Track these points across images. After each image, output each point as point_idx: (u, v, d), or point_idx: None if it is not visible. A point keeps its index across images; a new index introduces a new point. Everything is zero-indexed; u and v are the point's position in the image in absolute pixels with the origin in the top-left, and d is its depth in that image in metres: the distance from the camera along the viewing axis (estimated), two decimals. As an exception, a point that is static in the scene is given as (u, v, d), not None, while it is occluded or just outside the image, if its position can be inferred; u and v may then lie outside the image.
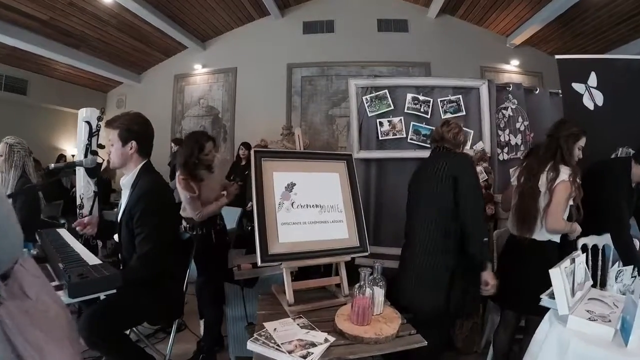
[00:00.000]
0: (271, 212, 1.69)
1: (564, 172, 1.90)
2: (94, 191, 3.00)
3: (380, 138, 3.04)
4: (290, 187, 1.77)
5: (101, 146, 3.33)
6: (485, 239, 1.79)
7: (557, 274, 1.44)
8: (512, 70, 7.08)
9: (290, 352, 1.23)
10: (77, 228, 2.14)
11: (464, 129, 2.90)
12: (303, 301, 1.68)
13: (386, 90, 3.07)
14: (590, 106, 2.83)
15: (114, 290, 1.51)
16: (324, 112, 7.02)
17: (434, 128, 2.99)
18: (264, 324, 1.44)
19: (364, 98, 3.07)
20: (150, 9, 5.84)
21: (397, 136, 3.04)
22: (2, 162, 2.86)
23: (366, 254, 1.84)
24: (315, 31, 7.15)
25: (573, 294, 1.50)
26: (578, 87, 2.83)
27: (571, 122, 2.09)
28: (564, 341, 1.35)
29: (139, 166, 1.98)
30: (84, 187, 3.18)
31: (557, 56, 2.94)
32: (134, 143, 1.94)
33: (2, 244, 0.83)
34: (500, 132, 3.15)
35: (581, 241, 2.12)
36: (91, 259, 1.79)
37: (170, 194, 2.11)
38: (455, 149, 2.00)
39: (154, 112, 7.30)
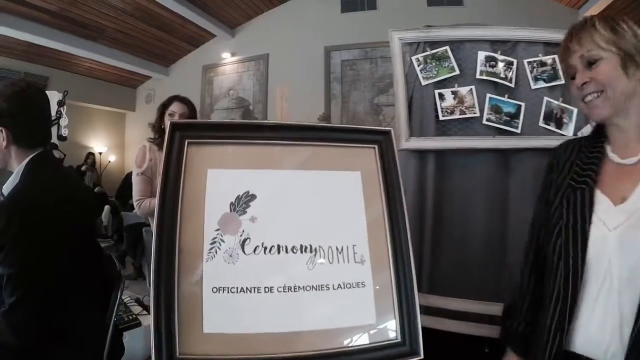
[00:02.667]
0: (191, 259, 0.73)
1: None
2: None
3: (440, 118, 2.00)
4: (244, 203, 0.79)
5: (62, 138, 2.62)
6: None
7: None
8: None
9: None
10: None
11: (563, 105, 1.96)
12: None
13: (447, 47, 2.04)
14: None
15: None
16: (369, 100, 6.21)
17: (522, 104, 1.98)
18: None
19: (413, 59, 2.05)
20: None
21: (467, 115, 1.98)
22: None
23: (418, 358, 0.80)
24: (355, 9, 6.43)
25: None
26: None
27: None
28: None
29: (24, 162, 1.29)
30: None
31: None
32: (4, 131, 1.27)
33: None
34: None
35: None
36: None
37: (65, 200, 1.32)
38: None
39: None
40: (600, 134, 0.90)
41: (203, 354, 0.71)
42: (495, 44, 2.05)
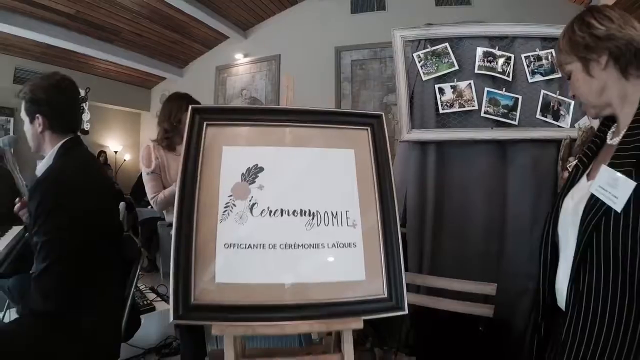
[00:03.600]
0: (207, 220, 0.86)
1: None
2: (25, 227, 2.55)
3: (440, 111, 2.11)
4: (253, 174, 0.92)
5: (84, 132, 2.79)
6: None
7: None
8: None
9: None
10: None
11: (560, 97, 2.05)
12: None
13: (447, 44, 2.14)
14: None
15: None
16: (378, 99, 6.25)
17: (519, 97, 2.06)
18: None
19: (414, 55, 2.16)
20: (183, -4, 5.55)
21: (466, 108, 2.08)
22: None
23: (402, 312, 0.92)
24: (365, 10, 6.47)
25: None
26: None
27: None
28: None
29: (56, 147, 1.45)
30: None
31: None
32: (40, 118, 1.43)
33: None
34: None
35: None
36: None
37: (91, 181, 1.48)
38: None
39: None
40: (610, 117, 0.97)
41: (215, 301, 0.83)
42: (493, 39, 2.14)
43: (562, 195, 0.96)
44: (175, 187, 1.96)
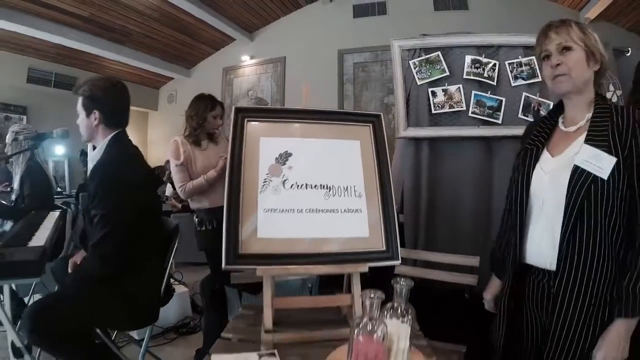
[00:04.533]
0: (250, 191, 1.15)
1: None
2: (84, 206, 2.81)
3: (433, 112, 2.40)
4: (284, 158, 1.21)
5: None
6: None
7: None
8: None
9: None
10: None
11: (540, 99, 2.32)
12: (293, 326, 1.12)
13: (439, 52, 2.42)
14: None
15: (37, 279, 1.48)
16: (379, 100, 6.46)
17: (502, 99, 2.34)
18: (212, 356, 0.95)
19: (410, 62, 2.45)
20: (193, 1, 5.70)
21: (455, 109, 2.37)
22: (10, 150, 2.84)
23: (396, 262, 1.22)
24: (367, 14, 6.65)
25: None
26: None
27: None
28: None
29: (108, 138, 1.69)
30: None
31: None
32: (97, 113, 1.67)
33: None
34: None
35: None
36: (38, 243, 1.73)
37: (137, 171, 1.72)
38: None
39: None
40: (557, 110, 1.25)
41: (257, 251, 1.12)
42: (480, 48, 2.42)
43: (529, 168, 1.19)
44: (201, 180, 2.26)
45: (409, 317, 0.85)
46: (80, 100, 1.70)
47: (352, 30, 6.65)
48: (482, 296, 1.47)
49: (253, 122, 1.23)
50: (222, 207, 1.96)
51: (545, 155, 1.20)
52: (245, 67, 7.42)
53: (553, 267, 1.11)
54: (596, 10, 5.66)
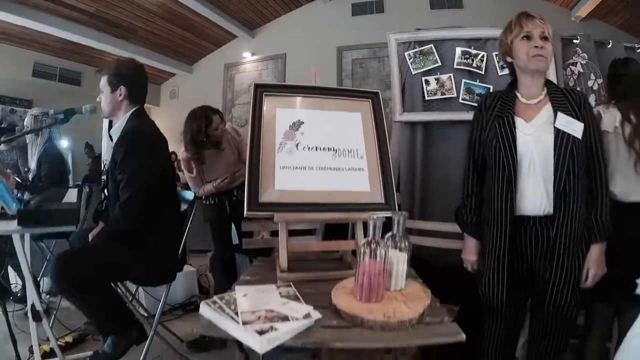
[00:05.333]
0: (268, 152, 1.36)
1: None
2: (107, 170, 2.96)
3: (426, 98, 2.61)
4: (297, 125, 1.42)
5: None
6: None
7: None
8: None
9: (246, 324, 0.85)
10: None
11: None
12: (304, 269, 1.32)
13: (432, 45, 2.63)
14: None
15: (73, 228, 1.60)
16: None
17: (490, 86, 2.55)
18: (235, 286, 1.10)
19: (405, 54, 2.66)
20: (198, -2, 5.82)
21: (447, 95, 2.58)
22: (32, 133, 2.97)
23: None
24: (365, 12, 6.86)
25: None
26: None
27: None
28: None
29: (129, 112, 1.85)
30: (107, 152, 3.12)
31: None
32: (122, 89, 1.82)
33: None
34: (570, 92, 2.58)
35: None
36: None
37: (159, 139, 1.90)
38: None
39: (205, 102, 7.25)
40: (512, 88, 1.48)
41: (274, 200, 1.33)
42: (469, 41, 2.63)
43: (511, 132, 1.38)
44: (211, 187, 2.49)
45: (406, 244, 1.06)
46: (105, 78, 1.85)
47: (351, 27, 6.83)
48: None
49: (270, 97, 1.44)
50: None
51: (519, 120, 1.41)
52: (246, 64, 7.58)
53: (550, 212, 1.35)
54: (587, 9, 5.85)
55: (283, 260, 1.28)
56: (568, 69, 2.65)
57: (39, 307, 1.92)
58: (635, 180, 1.58)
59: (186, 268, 3.47)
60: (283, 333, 0.82)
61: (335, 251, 1.58)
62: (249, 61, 7.55)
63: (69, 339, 2.43)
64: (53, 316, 2.51)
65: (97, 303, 1.63)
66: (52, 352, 2.10)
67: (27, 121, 2.96)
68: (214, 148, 2.55)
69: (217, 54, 7.89)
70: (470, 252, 1.55)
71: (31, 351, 2.12)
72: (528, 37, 1.39)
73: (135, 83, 1.87)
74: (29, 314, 1.91)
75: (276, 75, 7.29)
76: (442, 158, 2.59)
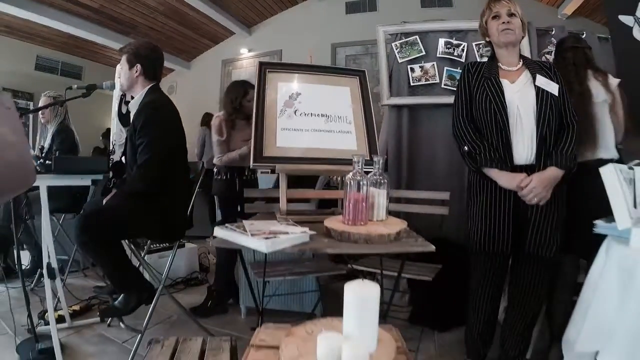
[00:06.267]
0: (271, 117, 1.61)
1: None
2: (126, 138, 3.10)
3: (411, 84, 2.87)
4: (295, 96, 1.68)
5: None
6: None
7: (611, 174, 1.10)
8: (565, 45, 6.40)
9: (254, 235, 1.07)
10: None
11: None
12: (300, 215, 1.57)
13: (417, 36, 2.89)
14: (640, 38, 2.47)
15: (101, 177, 1.74)
16: (370, 90, 6.79)
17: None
18: (243, 221, 1.33)
19: (393, 44, 2.91)
20: (197, -5, 5.92)
21: (430, 82, 2.85)
22: (47, 113, 3.23)
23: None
24: (358, 10, 7.03)
25: (635, 205, 1.13)
26: (626, 19, 2.52)
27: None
28: (627, 266, 1.01)
29: (146, 88, 2.03)
30: (116, 134, 3.28)
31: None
32: (139, 66, 2.00)
33: None
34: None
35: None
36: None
37: (175, 112, 2.09)
38: None
39: (203, 97, 7.34)
40: (493, 59, 1.73)
41: (276, 154, 1.58)
42: (451, 32, 2.89)
43: (499, 89, 1.60)
44: (235, 155, 2.64)
45: (384, 181, 1.31)
46: (125, 57, 2.05)
47: (345, 25, 7.00)
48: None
49: (272, 73, 1.70)
50: (236, 167, 2.28)
51: (504, 81, 1.65)
52: (243, 60, 7.69)
53: (533, 162, 1.55)
54: (572, 6, 6.05)
55: (283, 205, 1.53)
56: (544, 57, 2.89)
57: (54, 264, 2.06)
58: None
59: (188, 245, 3.70)
60: (284, 239, 1.07)
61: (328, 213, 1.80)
62: (245, 57, 7.66)
63: (76, 307, 2.62)
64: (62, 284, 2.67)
65: (115, 259, 1.80)
66: (60, 319, 2.27)
67: (43, 102, 3.16)
68: (245, 120, 2.72)
69: (215, 50, 8.00)
70: (512, 177, 1.57)
71: (40, 317, 2.32)
72: (497, 16, 1.66)
73: (150, 62, 2.06)
74: (45, 272, 2.00)
75: (272, 70, 7.41)
76: (426, 138, 2.84)
